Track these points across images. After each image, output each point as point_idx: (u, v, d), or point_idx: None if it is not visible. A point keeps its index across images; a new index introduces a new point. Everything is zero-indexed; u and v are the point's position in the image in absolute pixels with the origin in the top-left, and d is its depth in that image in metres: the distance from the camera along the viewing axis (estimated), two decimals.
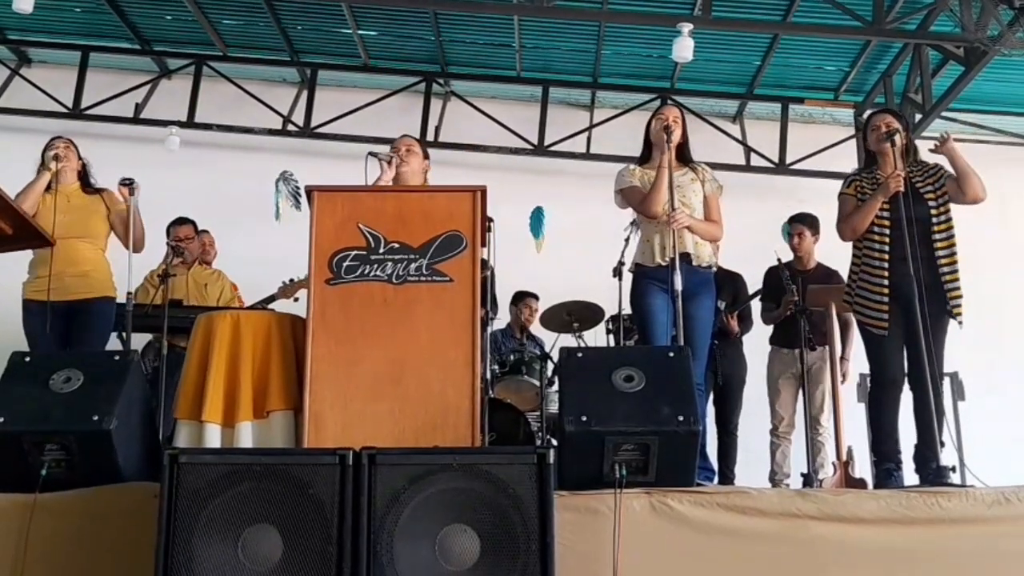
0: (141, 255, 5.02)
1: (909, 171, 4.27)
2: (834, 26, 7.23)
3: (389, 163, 4.32)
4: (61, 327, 4.73)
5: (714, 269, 4.46)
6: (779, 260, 5.79)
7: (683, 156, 4.53)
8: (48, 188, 4.84)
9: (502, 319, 6.51)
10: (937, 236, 4.15)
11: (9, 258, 4.15)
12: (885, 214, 4.18)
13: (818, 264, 6.04)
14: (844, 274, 5.81)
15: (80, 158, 5.01)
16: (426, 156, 4.53)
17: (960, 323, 4.10)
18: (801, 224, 6.04)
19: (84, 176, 5.01)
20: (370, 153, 4.31)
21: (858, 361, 4.56)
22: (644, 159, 4.54)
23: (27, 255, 4.76)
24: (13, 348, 3.60)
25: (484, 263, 4.32)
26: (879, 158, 4.35)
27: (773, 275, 5.87)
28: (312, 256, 3.62)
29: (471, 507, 2.73)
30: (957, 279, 4.12)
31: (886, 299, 4.12)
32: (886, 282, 4.13)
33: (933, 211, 4.16)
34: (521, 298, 6.80)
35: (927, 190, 4.21)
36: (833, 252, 5.34)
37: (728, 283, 5.76)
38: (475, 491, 2.74)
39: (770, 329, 6.07)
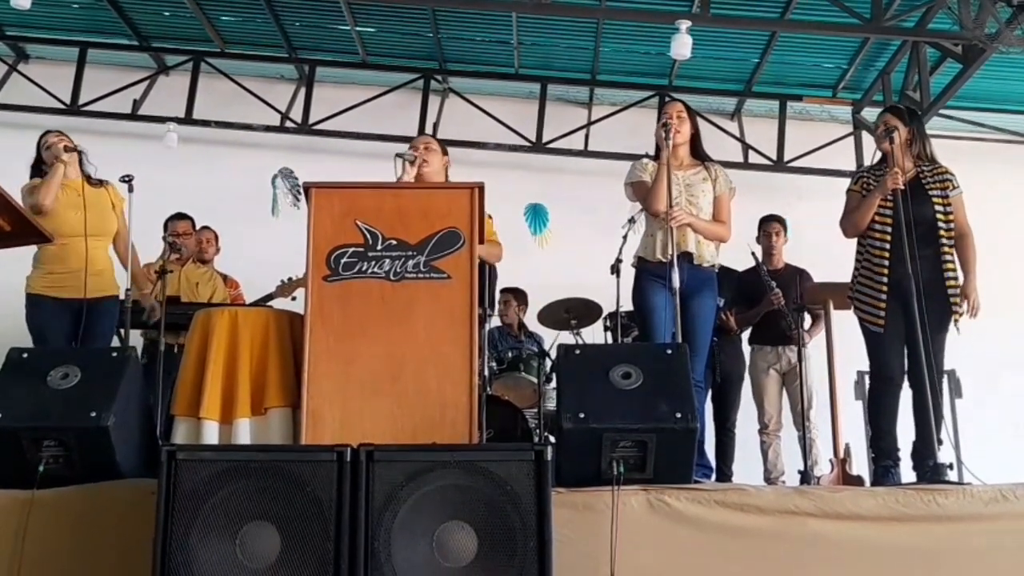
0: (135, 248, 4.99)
1: (919, 170, 4.26)
2: (832, 23, 7.21)
3: (412, 163, 4.32)
4: (72, 324, 4.70)
5: (716, 268, 4.45)
6: (755, 257, 5.89)
7: (697, 153, 4.51)
8: None
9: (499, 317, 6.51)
10: (944, 240, 4.14)
11: (8, 253, 4.14)
12: (887, 212, 4.17)
13: (786, 264, 6.16)
14: (812, 273, 5.92)
15: (76, 150, 4.84)
16: (444, 152, 4.55)
17: (958, 329, 4.10)
18: (777, 223, 6.18)
19: (81, 167, 4.88)
20: (397, 154, 4.31)
21: (856, 358, 4.56)
22: (658, 154, 4.50)
23: (27, 249, 4.72)
24: (13, 343, 3.59)
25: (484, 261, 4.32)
26: (887, 156, 4.35)
27: (751, 274, 5.90)
28: (310, 253, 3.61)
29: (469, 504, 2.73)
30: (959, 285, 4.13)
31: (884, 296, 4.12)
32: (885, 279, 4.13)
33: (940, 213, 4.16)
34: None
35: (935, 192, 4.20)
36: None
37: (727, 280, 5.76)
38: (473, 488, 2.73)
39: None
